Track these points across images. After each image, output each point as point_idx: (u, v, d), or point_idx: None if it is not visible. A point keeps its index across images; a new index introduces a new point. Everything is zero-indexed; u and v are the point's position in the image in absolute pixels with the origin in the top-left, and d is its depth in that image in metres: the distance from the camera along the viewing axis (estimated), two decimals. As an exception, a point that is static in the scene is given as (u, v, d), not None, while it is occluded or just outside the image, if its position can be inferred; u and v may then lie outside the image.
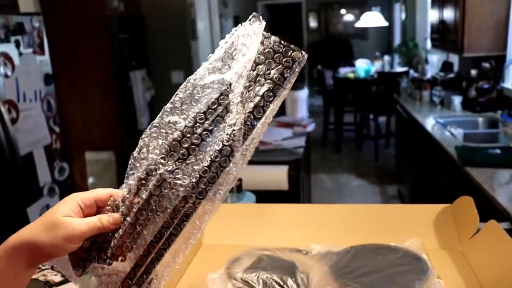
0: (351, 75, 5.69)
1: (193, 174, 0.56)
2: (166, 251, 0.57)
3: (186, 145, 0.57)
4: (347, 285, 0.75)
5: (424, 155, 3.06)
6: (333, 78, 5.95)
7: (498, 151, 2.27)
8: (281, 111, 3.46)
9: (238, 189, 1.61)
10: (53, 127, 2.86)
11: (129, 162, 0.58)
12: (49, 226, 0.53)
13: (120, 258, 0.57)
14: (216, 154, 0.56)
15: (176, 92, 0.60)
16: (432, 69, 4.62)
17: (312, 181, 3.85)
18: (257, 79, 0.58)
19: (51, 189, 2.84)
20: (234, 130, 0.56)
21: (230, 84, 0.58)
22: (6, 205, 2.31)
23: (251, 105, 0.57)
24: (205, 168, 0.56)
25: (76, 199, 0.56)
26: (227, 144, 0.56)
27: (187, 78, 0.60)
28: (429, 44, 4.80)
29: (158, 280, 0.58)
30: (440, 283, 0.79)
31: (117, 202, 0.57)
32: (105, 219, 0.56)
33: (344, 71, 6.03)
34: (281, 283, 0.75)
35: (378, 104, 5.33)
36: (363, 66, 5.70)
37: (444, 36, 3.62)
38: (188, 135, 0.57)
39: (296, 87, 3.41)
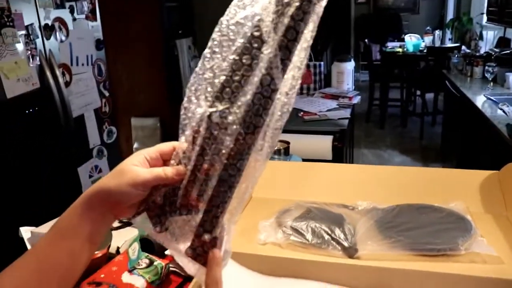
0: (399, 50, 5.55)
1: (239, 111, 0.55)
2: (231, 193, 0.57)
3: (230, 85, 0.56)
4: (391, 237, 0.79)
5: (473, 133, 2.99)
6: (380, 52, 5.83)
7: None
8: (327, 82, 3.45)
9: (285, 152, 1.66)
10: (103, 91, 2.97)
11: (181, 113, 0.58)
12: (116, 174, 0.57)
13: (189, 208, 0.58)
14: (258, 85, 0.55)
15: (212, 37, 0.59)
16: (486, 45, 4.45)
17: (354, 156, 3.84)
18: (284, 1, 0.56)
19: (100, 151, 2.96)
20: (270, 57, 0.55)
21: (261, 15, 0.56)
22: (59, 164, 2.44)
23: (282, 28, 0.55)
24: (249, 102, 0.55)
25: (143, 153, 0.59)
26: (265, 73, 0.55)
27: (219, 20, 0.59)
28: (484, 19, 4.60)
29: (228, 224, 0.58)
30: (484, 242, 0.81)
31: (178, 154, 0.58)
32: (169, 170, 0.57)
33: (392, 45, 5.88)
34: (329, 231, 0.80)
35: (425, 80, 5.18)
36: (412, 41, 5.54)
37: (503, 9, 3.47)
38: (230, 75, 0.56)
39: (342, 58, 3.38)
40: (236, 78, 0.56)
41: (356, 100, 3.03)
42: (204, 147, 0.57)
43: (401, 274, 0.76)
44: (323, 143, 2.24)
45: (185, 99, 0.58)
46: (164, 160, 0.59)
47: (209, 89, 0.57)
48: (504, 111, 2.63)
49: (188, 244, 0.58)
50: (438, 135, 4.91)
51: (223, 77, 0.57)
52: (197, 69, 0.59)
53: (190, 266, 0.58)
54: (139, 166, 0.57)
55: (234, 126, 0.55)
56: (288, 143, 1.70)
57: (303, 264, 0.78)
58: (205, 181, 0.57)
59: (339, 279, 0.77)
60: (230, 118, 0.55)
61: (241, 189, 0.57)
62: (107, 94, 3.04)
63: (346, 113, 2.71)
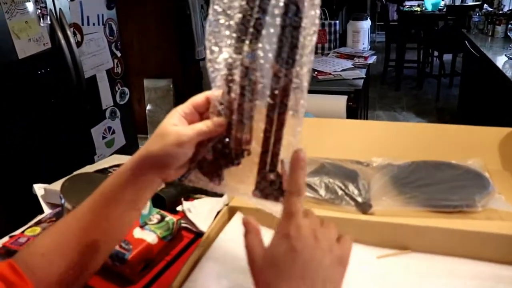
0: (417, 9, 5.38)
1: (270, 47, 0.54)
2: (282, 130, 0.56)
3: (252, 24, 0.54)
4: (406, 193, 0.77)
5: (492, 95, 2.92)
6: (398, 11, 5.66)
7: None
8: (342, 42, 3.37)
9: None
10: (115, 51, 2.93)
11: (208, 66, 0.57)
12: (159, 137, 0.56)
13: (245, 154, 0.58)
14: (284, 17, 0.53)
15: None
16: (510, 3, 4.28)
17: (369, 117, 3.80)
18: None
19: (113, 112, 2.96)
20: None
21: None
22: (72, 125, 2.45)
23: None
24: (280, 36, 0.53)
25: (178, 110, 0.58)
26: (289, 2, 0.52)
27: None
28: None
29: (287, 159, 0.57)
30: (501, 198, 0.79)
31: (215, 105, 0.57)
32: (210, 123, 0.57)
33: (410, 4, 5.70)
34: (343, 187, 0.78)
35: (444, 41, 5.04)
36: (431, -1, 5.37)
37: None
38: (249, 13, 0.54)
39: (358, 17, 3.29)
40: (257, 15, 0.54)
41: (372, 60, 2.96)
42: (244, 94, 0.56)
43: (415, 231, 0.74)
44: (337, 103, 2.20)
45: (207, 51, 0.57)
46: (200, 113, 0.59)
47: (229, 34, 0.55)
48: (525, 71, 2.56)
49: (251, 187, 0.59)
50: (455, 97, 4.82)
51: (239, 15, 0.55)
52: (209, 16, 0.56)
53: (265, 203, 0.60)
54: (179, 125, 0.56)
55: (273, 66, 0.54)
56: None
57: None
58: (255, 125, 0.57)
59: (353, 234, 0.76)
60: (266, 59, 0.54)
61: (291, 125, 0.56)
62: (119, 54, 3.01)
63: (361, 73, 2.65)
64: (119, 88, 3.04)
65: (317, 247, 0.50)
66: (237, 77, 0.55)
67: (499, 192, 0.83)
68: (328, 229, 0.53)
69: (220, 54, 0.56)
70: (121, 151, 2.98)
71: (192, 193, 1.05)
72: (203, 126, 0.56)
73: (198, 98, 0.59)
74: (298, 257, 0.49)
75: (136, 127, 3.53)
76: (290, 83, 0.54)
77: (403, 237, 0.76)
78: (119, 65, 3.03)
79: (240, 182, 0.60)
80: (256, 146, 0.59)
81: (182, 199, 1.00)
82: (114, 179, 0.58)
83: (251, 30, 0.55)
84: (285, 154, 0.57)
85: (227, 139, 0.58)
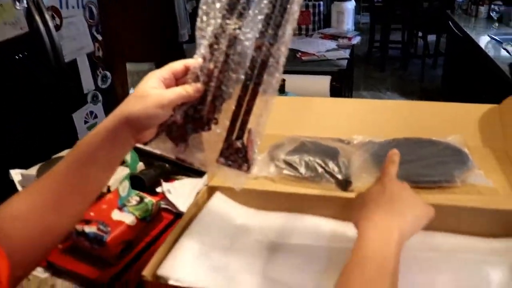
0: (402, -11, 5.35)
1: (259, 22, 0.57)
2: (255, 101, 0.59)
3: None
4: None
5: (475, 75, 2.93)
6: (382, -8, 5.62)
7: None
8: (326, 23, 3.35)
9: (281, 90, 1.62)
10: (96, 35, 2.87)
11: (196, 34, 0.60)
12: (139, 99, 0.57)
13: (213, 121, 0.60)
14: None
15: None
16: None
17: (353, 98, 3.80)
18: None
19: (95, 96, 2.91)
20: None
21: None
22: (53, 111, 2.40)
23: None
24: (267, 13, 0.57)
25: (156, 74, 0.60)
26: None
27: None
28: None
29: (254, 129, 0.61)
30: (481, 174, 0.79)
31: (195, 72, 0.59)
32: (189, 88, 0.59)
33: (394, -15, 5.66)
34: (323, 164, 0.77)
35: (428, 21, 5.04)
36: (415, -20, 5.33)
37: None
38: None
39: (343, -2, 3.27)
40: None
41: (356, 40, 2.95)
42: (227, 61, 0.58)
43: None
44: (321, 84, 2.19)
45: (198, 19, 0.59)
46: (176, 79, 0.61)
47: (222, 5, 0.58)
48: (507, 51, 2.57)
49: (216, 155, 0.61)
50: (439, 77, 4.84)
51: None
52: None
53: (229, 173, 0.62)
54: (158, 88, 0.58)
55: (258, 39, 0.57)
56: (283, 80, 1.66)
57: (296, 198, 0.76)
58: (230, 94, 0.60)
59: (333, 212, 0.76)
60: (253, 32, 0.57)
61: (264, 98, 0.59)
62: (100, 38, 2.95)
63: (345, 53, 2.64)
64: (100, 72, 2.99)
65: (404, 189, 0.62)
66: (224, 47, 0.58)
67: (479, 167, 0.83)
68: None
69: (210, 23, 0.59)
70: (104, 136, 2.93)
71: (172, 174, 1.03)
72: (183, 90, 0.59)
73: (177, 65, 0.61)
74: (386, 192, 0.61)
75: (119, 111, 3.47)
76: (270, 57, 0.57)
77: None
78: (100, 48, 2.97)
79: (206, 149, 0.62)
80: (224, 117, 0.61)
81: (162, 180, 0.99)
82: (91, 139, 0.59)
83: (242, 5, 0.58)
84: (253, 124, 0.60)
85: (200, 106, 0.60)
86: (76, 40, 2.65)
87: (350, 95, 3.37)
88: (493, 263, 0.64)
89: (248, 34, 0.57)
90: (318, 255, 0.66)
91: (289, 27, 0.58)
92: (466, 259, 0.66)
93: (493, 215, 0.72)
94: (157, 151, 0.64)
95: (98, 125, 0.59)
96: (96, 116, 2.90)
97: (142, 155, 1.11)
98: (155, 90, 0.58)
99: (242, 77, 0.59)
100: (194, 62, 0.60)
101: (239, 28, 0.58)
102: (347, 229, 0.75)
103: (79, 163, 0.58)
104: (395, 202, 0.60)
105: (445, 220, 0.74)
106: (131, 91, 3.89)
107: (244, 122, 0.60)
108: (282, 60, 0.59)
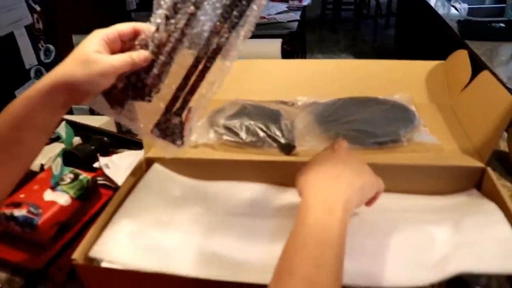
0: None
1: (221, 6, 0.55)
2: (201, 82, 0.58)
3: None
4: (331, 131, 0.74)
5: (426, 33, 2.95)
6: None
7: (502, 24, 2.17)
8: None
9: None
10: (33, 5, 2.69)
11: (154, 2, 0.57)
12: (82, 63, 0.53)
13: (154, 91, 0.58)
14: None
15: None
16: None
17: (300, 59, 3.76)
18: None
19: (38, 71, 2.76)
20: None
21: None
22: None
23: None
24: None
25: (100, 35, 0.55)
26: None
27: None
28: None
29: (195, 108, 0.60)
30: (426, 131, 0.77)
31: (145, 39, 0.56)
32: (136, 55, 0.55)
33: None
34: (264, 128, 0.73)
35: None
36: None
37: None
38: None
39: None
40: None
41: (307, 1, 2.89)
42: (182, 40, 0.56)
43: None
44: (272, 47, 2.13)
45: None
46: (122, 42, 0.57)
47: None
48: (456, 8, 2.59)
49: (151, 125, 0.60)
50: (391, 37, 4.87)
51: None
52: None
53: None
54: (102, 51, 0.54)
55: (216, 23, 0.55)
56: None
57: (237, 165, 0.72)
58: (179, 71, 0.58)
59: (277, 178, 0.72)
60: (212, 15, 0.55)
61: (210, 78, 0.58)
62: (38, 8, 2.77)
63: (296, 15, 2.59)
64: (42, 46, 2.82)
65: (354, 157, 0.59)
66: (180, 22, 0.56)
67: (425, 125, 0.81)
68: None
69: None
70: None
71: (111, 147, 0.97)
72: (129, 58, 0.55)
73: (125, 27, 0.57)
74: (334, 157, 0.58)
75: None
76: (226, 42, 0.56)
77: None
78: (39, 20, 2.79)
79: (142, 117, 0.60)
80: (166, 91, 0.59)
81: (99, 154, 0.92)
82: (26, 101, 0.54)
83: None
84: (194, 103, 0.59)
85: (144, 75, 0.57)
86: (11, 11, 2.47)
87: (303, 58, 3.33)
88: (440, 221, 0.62)
89: (207, 16, 0.56)
90: (261, 225, 0.63)
91: (252, 18, 0.56)
92: (414, 219, 0.64)
93: (439, 172, 0.70)
94: (93, 108, 0.59)
95: (29, 88, 0.54)
96: (41, 92, 2.75)
97: (79, 129, 1.04)
98: (99, 55, 0.53)
99: (192, 57, 0.57)
100: (146, 28, 0.56)
101: (198, 8, 0.55)
102: (292, 196, 0.72)
103: (14, 127, 0.54)
104: (342, 168, 0.56)
105: (392, 181, 0.72)
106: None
107: (186, 101, 0.59)
108: (240, 47, 0.58)
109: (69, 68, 0.53)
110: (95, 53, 0.53)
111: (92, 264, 0.59)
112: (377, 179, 0.58)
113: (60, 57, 3.03)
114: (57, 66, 0.54)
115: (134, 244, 0.60)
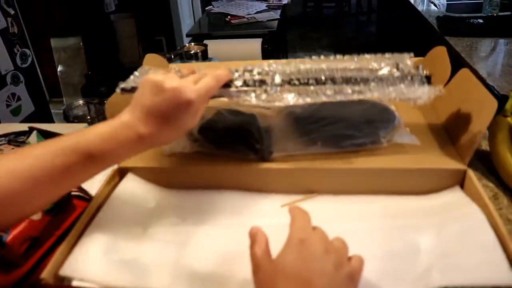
0: None
1: None
2: None
3: None
4: (310, 134, 0.72)
5: (406, 30, 2.96)
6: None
7: (480, 20, 2.19)
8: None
9: (203, 56, 1.52)
10: (7, 9, 2.64)
11: None
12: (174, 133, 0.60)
13: None
14: None
15: None
16: None
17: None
18: None
19: (15, 77, 2.71)
20: None
21: None
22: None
23: None
24: None
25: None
26: None
27: None
28: None
29: None
30: (407, 131, 0.76)
31: None
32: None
33: None
34: (240, 135, 0.71)
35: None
36: None
37: None
38: None
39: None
40: None
41: (286, 0, 2.88)
42: None
43: (320, 173, 0.70)
44: (252, 47, 2.11)
45: None
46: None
47: None
48: (435, 4, 2.60)
49: None
50: (373, 34, 4.89)
51: None
52: None
53: None
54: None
55: None
56: (205, 45, 1.56)
57: (213, 173, 0.70)
58: None
59: (254, 185, 0.71)
60: None
61: None
62: (12, 12, 2.71)
63: (276, 14, 2.57)
64: (18, 50, 2.77)
65: (328, 260, 0.46)
66: None
67: (405, 124, 0.80)
68: (338, 244, 0.49)
69: None
70: (31, 118, 2.75)
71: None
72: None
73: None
74: (309, 267, 0.45)
75: (48, 91, 3.26)
76: None
77: (308, 181, 0.71)
78: (14, 24, 2.73)
79: None
80: None
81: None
82: (101, 140, 0.56)
83: None
84: None
85: None
86: (-17, 16, 2.42)
87: (286, 57, 3.32)
88: (423, 228, 0.61)
89: None
90: (240, 234, 0.61)
91: None
92: (397, 226, 0.63)
93: (420, 174, 0.69)
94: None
95: (111, 128, 0.57)
96: (19, 98, 2.69)
97: (51, 138, 1.00)
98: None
99: None
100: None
101: None
102: (271, 202, 0.70)
103: (86, 160, 0.55)
104: (315, 271, 0.45)
105: (372, 184, 0.71)
106: (59, 68, 3.66)
107: None
108: None
109: (157, 136, 0.57)
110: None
111: (62, 283, 0.57)
112: (355, 285, 0.47)
113: (38, 61, 2.98)
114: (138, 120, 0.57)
115: (107, 260, 0.58)
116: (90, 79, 3.51)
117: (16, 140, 1.02)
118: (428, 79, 0.70)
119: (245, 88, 0.65)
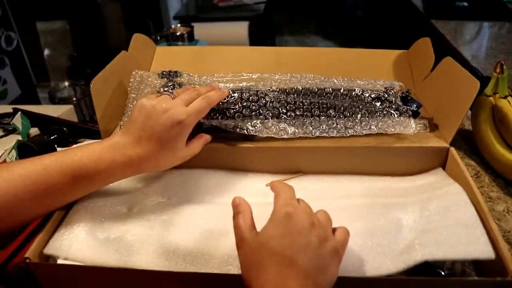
0: None
1: None
2: None
3: None
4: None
5: (393, 13, 2.95)
6: None
7: (465, 3, 2.19)
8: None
9: (189, 38, 1.50)
10: (-11, -10, 2.58)
11: None
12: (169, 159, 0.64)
13: None
14: None
15: None
16: None
17: (277, 43, 3.74)
18: None
19: (1, 60, 2.66)
20: None
21: None
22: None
23: None
24: None
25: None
26: None
27: None
28: None
29: None
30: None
31: None
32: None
33: None
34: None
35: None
36: None
37: None
38: None
39: None
40: None
41: (274, -17, 2.85)
42: None
43: (305, 152, 0.71)
44: (239, 30, 2.10)
45: None
46: None
47: None
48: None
49: None
50: (360, 17, 4.86)
51: None
52: None
53: None
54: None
55: None
56: (191, 27, 1.54)
57: (198, 152, 0.70)
58: None
59: (239, 164, 0.71)
60: None
61: None
62: (-6, -7, 2.65)
63: (263, -3, 2.55)
64: (3, 33, 2.71)
65: (313, 235, 0.46)
66: None
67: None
68: (322, 218, 0.49)
69: None
70: (17, 101, 2.71)
71: (71, 137, 0.94)
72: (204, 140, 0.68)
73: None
74: (293, 243, 0.44)
75: (36, 75, 3.21)
76: None
77: (293, 160, 0.72)
78: (-3, 7, 2.67)
79: None
80: None
81: (57, 146, 0.89)
82: (95, 163, 0.58)
83: None
84: None
85: None
86: (-37, -2, 2.37)
87: (273, 41, 3.30)
88: (406, 205, 0.62)
89: None
90: (222, 213, 0.61)
91: None
92: (380, 204, 0.64)
93: (404, 153, 0.71)
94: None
95: (100, 149, 0.59)
96: (5, 82, 2.65)
97: (36, 120, 0.99)
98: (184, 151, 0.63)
99: None
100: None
101: None
102: (256, 180, 0.71)
103: (77, 179, 0.57)
104: (299, 248, 0.45)
105: (357, 163, 0.72)
106: (46, 51, 3.59)
107: None
108: None
109: (156, 160, 0.60)
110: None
111: (47, 262, 0.57)
112: (339, 258, 0.48)
113: (24, 44, 2.93)
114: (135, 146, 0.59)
115: (92, 238, 0.58)
116: (75, 60, 3.45)
117: (1, 122, 1.01)
118: (415, 113, 0.74)
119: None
